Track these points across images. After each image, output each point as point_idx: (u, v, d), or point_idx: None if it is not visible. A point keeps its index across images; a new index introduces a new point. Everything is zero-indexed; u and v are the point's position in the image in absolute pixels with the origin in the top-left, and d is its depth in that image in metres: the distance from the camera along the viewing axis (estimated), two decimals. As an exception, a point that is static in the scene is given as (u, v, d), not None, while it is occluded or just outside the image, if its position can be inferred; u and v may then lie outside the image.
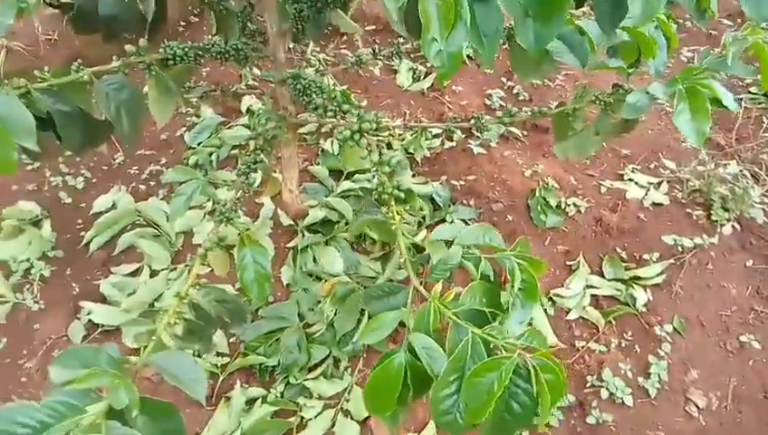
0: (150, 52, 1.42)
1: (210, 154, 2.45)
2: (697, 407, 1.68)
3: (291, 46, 2.72)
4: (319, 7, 1.58)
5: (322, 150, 2.46)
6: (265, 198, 2.22)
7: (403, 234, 1.09)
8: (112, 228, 2.15)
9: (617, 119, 1.42)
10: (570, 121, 1.52)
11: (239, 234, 1.28)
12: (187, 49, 1.44)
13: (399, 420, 0.98)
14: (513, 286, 0.95)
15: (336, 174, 2.34)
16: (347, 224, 2.17)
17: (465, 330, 0.87)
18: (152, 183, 2.35)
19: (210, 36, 1.69)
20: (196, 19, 3.05)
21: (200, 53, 1.49)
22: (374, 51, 1.90)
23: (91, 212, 2.20)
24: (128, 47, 1.36)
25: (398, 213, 1.12)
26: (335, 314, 1.91)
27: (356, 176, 2.33)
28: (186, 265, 2.07)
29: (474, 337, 0.85)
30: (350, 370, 1.79)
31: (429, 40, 0.78)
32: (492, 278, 1.01)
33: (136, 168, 2.38)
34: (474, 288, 0.96)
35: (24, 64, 2.57)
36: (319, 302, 1.96)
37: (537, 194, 2.16)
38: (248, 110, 2.62)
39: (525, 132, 2.45)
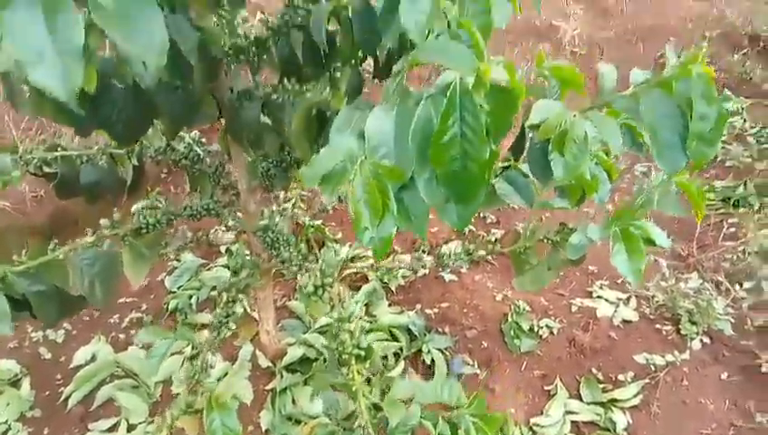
0: (128, 206, 1.52)
1: (190, 297, 2.50)
2: None
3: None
4: (284, 167, 1.71)
5: (299, 285, 2.52)
6: (243, 338, 2.25)
7: (363, 394, 1.12)
8: (91, 382, 2.15)
9: (561, 257, 1.51)
10: (523, 258, 1.61)
11: (208, 396, 1.30)
12: (159, 216, 1.54)
13: None
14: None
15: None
16: (325, 361, 2.19)
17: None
18: (132, 331, 2.37)
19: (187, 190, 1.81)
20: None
21: (172, 217, 1.59)
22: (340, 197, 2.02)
23: (71, 365, 2.20)
24: (102, 221, 1.45)
25: (358, 372, 1.16)
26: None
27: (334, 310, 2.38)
28: (163, 418, 2.05)
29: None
30: None
31: (362, 229, 0.87)
32: (449, 435, 1.04)
33: (117, 316, 2.42)
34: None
35: (11, 222, 2.68)
36: (298, 445, 1.94)
37: (510, 318, 2.22)
38: (227, 250, 2.71)
39: (494, 256, 2.54)
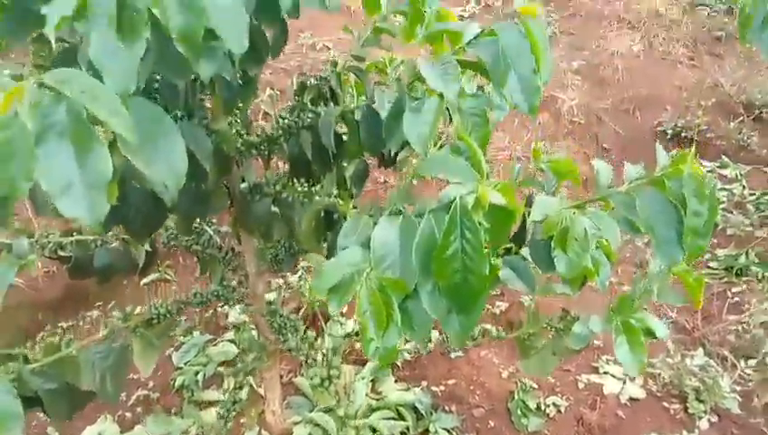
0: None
1: (196, 374, 2.51)
2: None
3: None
4: (293, 253, 1.76)
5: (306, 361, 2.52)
6: (248, 421, 2.25)
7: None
8: (95, 464, 2.14)
9: (563, 344, 1.54)
10: (528, 344, 1.63)
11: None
12: (170, 307, 1.57)
13: None
14: None
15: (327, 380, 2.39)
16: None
17: None
18: (139, 409, 2.38)
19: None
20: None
21: (183, 306, 1.63)
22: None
23: (77, 446, 2.20)
24: (115, 313, 1.50)
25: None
26: None
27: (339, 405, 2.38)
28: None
29: None
30: None
31: (368, 340, 0.91)
32: None
33: (123, 394, 2.42)
34: None
35: (23, 299, 2.72)
36: None
37: (516, 396, 2.21)
38: (234, 325, 2.73)
39: (500, 328, 2.55)
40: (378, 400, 2.33)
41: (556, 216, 1.22)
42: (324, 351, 1.65)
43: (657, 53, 4.47)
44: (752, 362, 2.31)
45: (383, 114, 1.27)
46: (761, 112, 3.89)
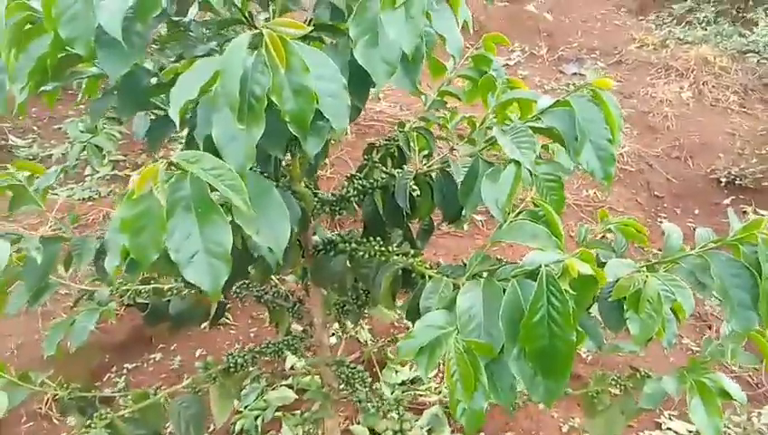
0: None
1: (256, 418, 2.56)
2: None
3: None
4: (360, 304, 1.81)
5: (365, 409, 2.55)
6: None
7: None
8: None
9: (633, 406, 1.53)
10: (595, 401, 1.63)
11: None
12: (246, 356, 1.64)
13: None
14: None
15: (376, 433, 2.41)
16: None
17: None
18: (201, 452, 2.43)
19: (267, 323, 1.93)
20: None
21: (257, 356, 1.70)
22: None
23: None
24: (197, 364, 1.57)
25: None
26: None
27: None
28: None
29: None
30: None
31: (455, 401, 0.95)
32: None
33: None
34: None
35: (93, 340, 2.85)
36: None
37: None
38: (292, 367, 2.79)
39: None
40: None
41: (628, 278, 1.24)
42: (388, 400, 1.68)
43: (706, 100, 4.45)
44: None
45: (458, 178, 1.34)
46: (816, 159, 3.83)
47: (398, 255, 1.32)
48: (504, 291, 0.98)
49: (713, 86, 4.52)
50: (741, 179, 3.70)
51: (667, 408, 2.38)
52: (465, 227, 3.25)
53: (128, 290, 1.88)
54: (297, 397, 2.64)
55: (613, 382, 1.59)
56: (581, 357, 2.59)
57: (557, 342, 0.92)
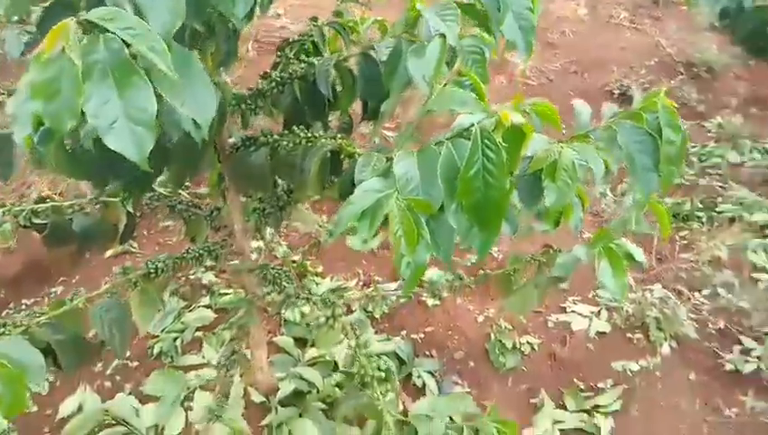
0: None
1: (174, 340, 2.50)
2: None
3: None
4: (281, 205, 1.78)
5: (285, 320, 2.56)
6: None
7: (389, 412, 1.20)
8: (81, 433, 2.12)
9: (551, 274, 1.64)
10: (511, 281, 1.73)
11: None
12: (167, 261, 1.58)
13: None
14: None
15: (300, 342, 2.44)
16: (318, 392, 2.24)
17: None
18: (118, 378, 2.35)
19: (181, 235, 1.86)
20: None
21: (178, 261, 1.63)
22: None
23: (58, 417, 2.17)
24: (115, 268, 1.49)
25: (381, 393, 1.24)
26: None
27: (317, 342, 2.44)
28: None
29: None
30: None
31: (400, 256, 0.97)
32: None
33: (100, 365, 2.40)
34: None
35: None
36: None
37: (492, 338, 2.33)
38: (209, 290, 2.73)
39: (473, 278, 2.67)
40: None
41: (545, 151, 1.30)
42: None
43: (600, 17, 4.66)
44: (705, 291, 2.53)
45: (381, 59, 1.31)
46: (699, 71, 4.15)
47: (324, 139, 1.29)
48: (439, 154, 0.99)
49: (606, 3, 4.72)
50: (631, 91, 3.95)
51: (570, 294, 2.59)
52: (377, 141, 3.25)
53: (23, 210, 1.72)
54: (216, 316, 2.60)
55: (528, 261, 1.69)
56: (493, 256, 2.73)
57: (492, 192, 0.96)
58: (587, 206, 1.72)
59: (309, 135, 1.33)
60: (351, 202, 0.99)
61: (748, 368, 2.17)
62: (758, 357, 2.18)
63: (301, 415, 2.17)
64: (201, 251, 1.73)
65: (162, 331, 2.54)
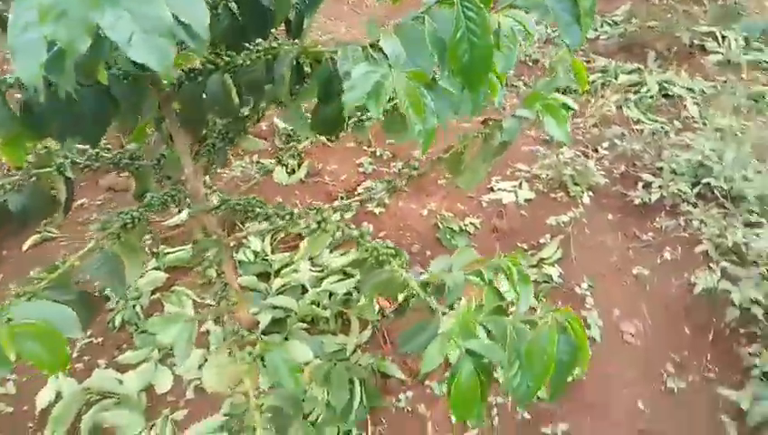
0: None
1: (133, 307, 2.46)
2: (631, 334, 2.11)
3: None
4: (231, 137, 1.79)
5: (239, 262, 2.59)
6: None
7: (411, 279, 1.34)
8: (68, 417, 2.08)
9: (495, 145, 1.83)
10: (461, 160, 1.90)
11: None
12: (140, 210, 1.56)
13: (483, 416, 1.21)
14: (512, 281, 1.26)
15: (262, 277, 2.50)
16: (296, 315, 2.33)
17: (503, 321, 1.15)
18: (87, 358, 2.29)
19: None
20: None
21: (147, 209, 1.62)
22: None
23: (38, 410, 2.10)
24: (92, 226, 1.46)
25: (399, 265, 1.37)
26: (327, 393, 2.05)
27: (282, 271, 2.51)
28: (165, 417, 2.07)
29: (514, 323, 1.13)
30: (365, 434, 1.94)
31: (413, 126, 1.08)
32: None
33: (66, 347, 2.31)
34: (488, 293, 1.25)
35: None
36: (305, 391, 2.09)
37: (441, 227, 2.53)
38: (153, 253, 2.67)
39: (406, 183, 2.83)
40: (321, 271, 2.51)
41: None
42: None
43: None
44: (604, 145, 2.88)
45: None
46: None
47: (287, 45, 1.33)
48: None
49: None
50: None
51: (493, 175, 2.84)
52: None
53: (-55, 198, 1.61)
54: (168, 275, 2.57)
55: (475, 136, 1.85)
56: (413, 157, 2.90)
57: (477, 51, 1.08)
58: (503, 79, 1.90)
59: (269, 46, 1.35)
60: (353, 87, 1.07)
61: (653, 198, 2.54)
62: (659, 187, 2.56)
63: (286, 338, 2.27)
64: (165, 197, 1.73)
65: (117, 302, 2.48)
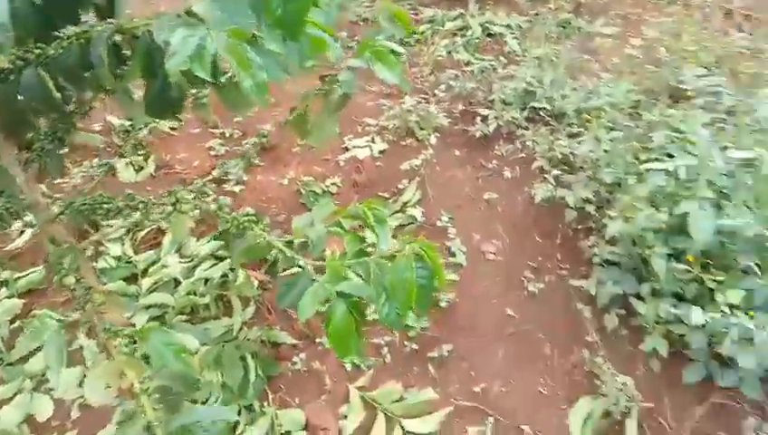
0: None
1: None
2: (492, 253, 2.32)
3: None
4: (60, 136, 1.69)
5: (101, 271, 2.46)
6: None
7: (274, 240, 1.37)
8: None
9: (336, 99, 1.88)
10: (306, 119, 1.94)
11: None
12: (-30, 226, 1.44)
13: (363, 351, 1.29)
14: (370, 224, 1.34)
15: (131, 280, 2.40)
16: (173, 309, 2.28)
17: (365, 261, 1.23)
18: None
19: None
20: None
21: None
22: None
23: None
24: None
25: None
26: (222, 375, 2.05)
27: (150, 270, 2.43)
28: None
29: (376, 260, 1.21)
30: (267, 404, 1.97)
31: (245, 83, 1.10)
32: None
33: None
34: (350, 239, 1.32)
35: None
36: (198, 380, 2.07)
37: (303, 192, 2.57)
38: (2, 283, 2.45)
39: (260, 158, 2.83)
40: (191, 260, 2.46)
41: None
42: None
43: None
44: (441, 87, 3.06)
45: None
46: None
47: (99, 26, 1.28)
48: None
49: None
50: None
51: (345, 135, 2.92)
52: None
53: None
54: (24, 301, 2.38)
55: (315, 93, 1.90)
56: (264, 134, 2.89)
57: (290, 5, 1.12)
58: (331, 34, 1.96)
59: (80, 30, 1.29)
60: (174, 53, 1.07)
61: (491, 129, 2.76)
62: (495, 117, 2.78)
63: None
64: (4, 211, 1.60)
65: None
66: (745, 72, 2.75)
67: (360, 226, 1.42)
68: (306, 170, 2.71)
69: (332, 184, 2.63)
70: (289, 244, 1.39)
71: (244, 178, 2.68)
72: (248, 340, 2.13)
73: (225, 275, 2.37)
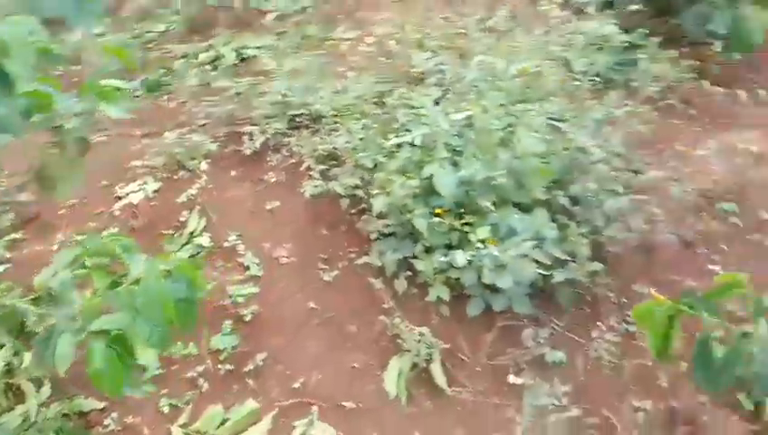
0: None
1: None
2: (285, 256, 2.42)
3: None
4: None
5: None
6: None
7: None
8: None
9: (73, 147, 1.84)
10: (46, 175, 1.86)
11: None
12: None
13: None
14: (120, 255, 1.35)
15: None
16: None
17: (114, 292, 1.25)
18: None
19: None
20: None
21: None
22: None
23: None
24: None
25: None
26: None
27: None
28: None
29: (125, 288, 1.24)
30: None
31: None
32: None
33: None
34: (96, 275, 1.32)
35: None
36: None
37: (78, 252, 2.44)
38: None
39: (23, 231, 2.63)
40: None
41: None
42: None
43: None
44: (201, 115, 3.10)
45: None
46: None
47: None
48: None
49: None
50: None
51: (116, 183, 2.82)
52: None
53: None
54: None
55: (46, 146, 1.83)
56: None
57: None
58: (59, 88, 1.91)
59: None
60: None
61: (258, 144, 2.85)
62: (261, 132, 2.87)
63: None
64: None
65: None
66: (461, 48, 3.19)
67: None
68: (79, 229, 2.57)
69: (110, 236, 2.53)
70: (35, 301, 1.34)
71: (8, 256, 2.47)
72: (48, 419, 1.98)
73: (8, 363, 2.17)
